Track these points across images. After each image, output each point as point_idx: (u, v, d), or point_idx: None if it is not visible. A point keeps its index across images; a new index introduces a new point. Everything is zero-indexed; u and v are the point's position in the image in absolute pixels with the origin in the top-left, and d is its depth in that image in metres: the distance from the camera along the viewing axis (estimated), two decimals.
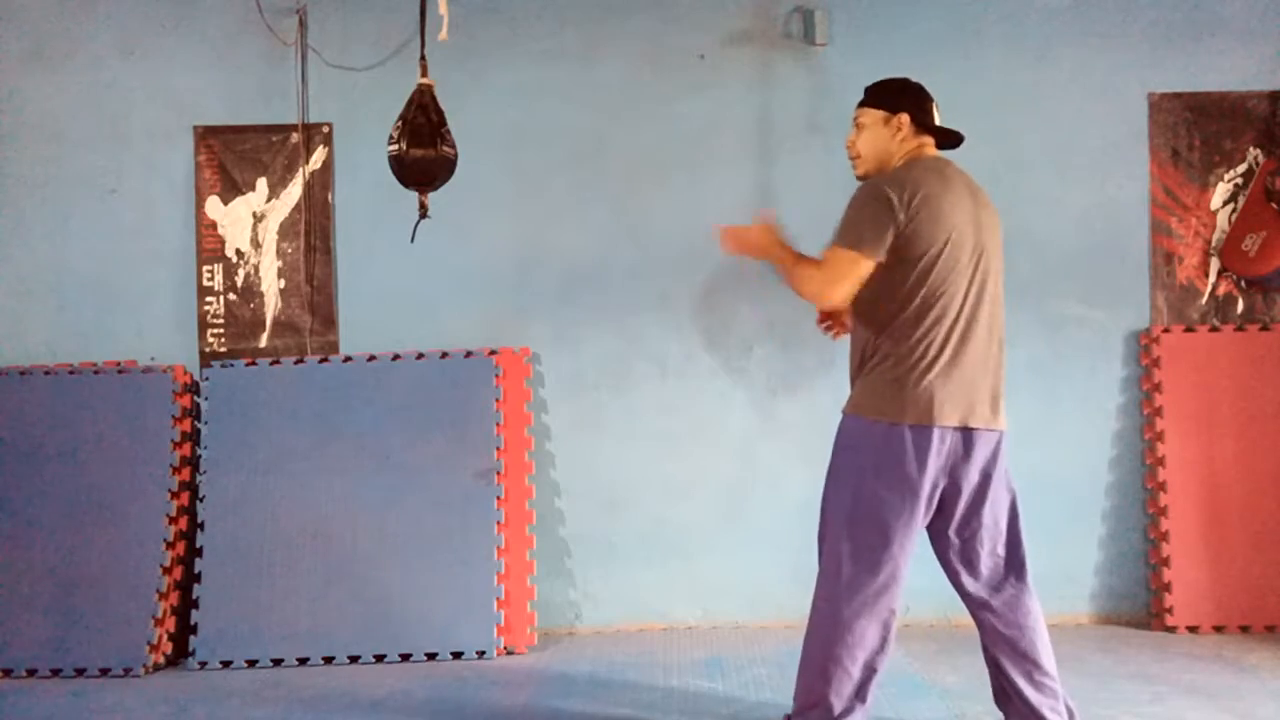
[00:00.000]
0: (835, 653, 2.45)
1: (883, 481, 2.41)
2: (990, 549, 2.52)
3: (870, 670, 2.48)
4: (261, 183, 3.94)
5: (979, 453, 2.43)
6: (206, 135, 3.93)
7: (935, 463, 2.39)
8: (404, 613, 3.55)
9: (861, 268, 2.40)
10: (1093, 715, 2.84)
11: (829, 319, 2.80)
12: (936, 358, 2.39)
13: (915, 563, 3.84)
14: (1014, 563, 2.53)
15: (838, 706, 2.46)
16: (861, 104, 2.61)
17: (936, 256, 2.39)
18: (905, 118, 2.55)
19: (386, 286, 3.91)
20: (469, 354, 3.80)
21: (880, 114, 2.56)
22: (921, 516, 2.45)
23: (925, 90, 2.60)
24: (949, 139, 2.62)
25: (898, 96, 2.57)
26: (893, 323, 2.42)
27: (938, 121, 2.60)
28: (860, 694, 2.48)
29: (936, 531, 2.54)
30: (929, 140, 2.59)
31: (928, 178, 2.43)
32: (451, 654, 3.52)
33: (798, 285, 2.47)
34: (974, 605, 2.54)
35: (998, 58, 3.88)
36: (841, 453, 2.52)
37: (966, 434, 2.41)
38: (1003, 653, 2.53)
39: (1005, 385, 2.49)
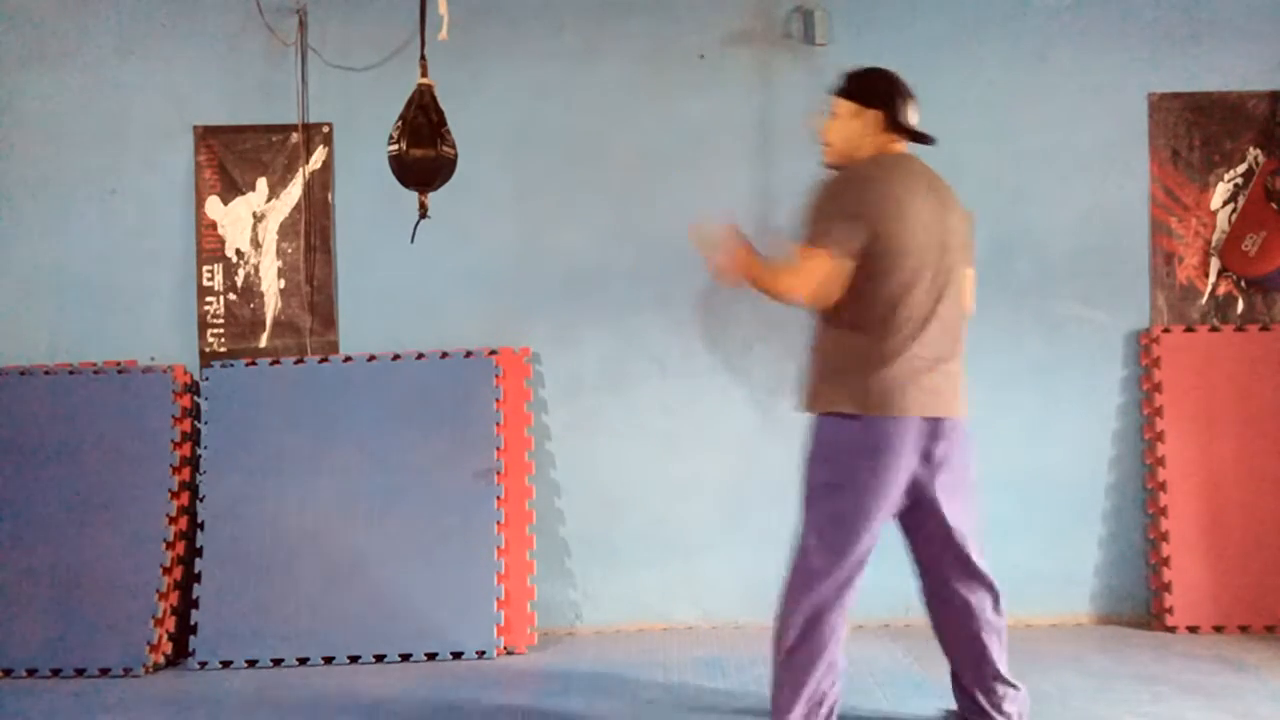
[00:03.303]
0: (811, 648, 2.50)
1: (849, 473, 2.44)
2: (961, 541, 2.56)
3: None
4: (261, 183, 3.94)
5: (948, 441, 2.47)
6: (206, 135, 3.93)
7: (909, 455, 2.42)
8: (404, 613, 3.55)
9: (833, 266, 2.40)
10: (1093, 715, 2.85)
11: None
12: (902, 352, 2.41)
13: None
14: (980, 552, 2.60)
15: (808, 699, 2.50)
16: (837, 92, 2.59)
17: (901, 254, 2.40)
18: (878, 115, 2.53)
19: (386, 286, 3.91)
20: (469, 354, 3.80)
21: (853, 106, 2.55)
22: (892, 510, 2.49)
23: (904, 86, 2.56)
24: (921, 138, 2.59)
25: (873, 92, 2.54)
26: (856, 319, 2.44)
27: (914, 120, 2.56)
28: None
29: (912, 524, 2.57)
30: (898, 138, 2.56)
31: (893, 175, 2.45)
32: (451, 654, 3.52)
33: (783, 294, 2.46)
34: (943, 598, 2.62)
35: (998, 58, 3.88)
36: (807, 448, 2.54)
37: (935, 424, 2.45)
38: (964, 657, 2.63)
39: (966, 376, 2.55)
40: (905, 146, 2.58)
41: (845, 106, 2.56)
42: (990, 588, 2.59)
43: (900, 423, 2.40)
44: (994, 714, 2.61)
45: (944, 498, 2.50)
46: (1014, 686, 2.63)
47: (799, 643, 2.49)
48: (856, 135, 2.54)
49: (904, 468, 2.43)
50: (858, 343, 2.45)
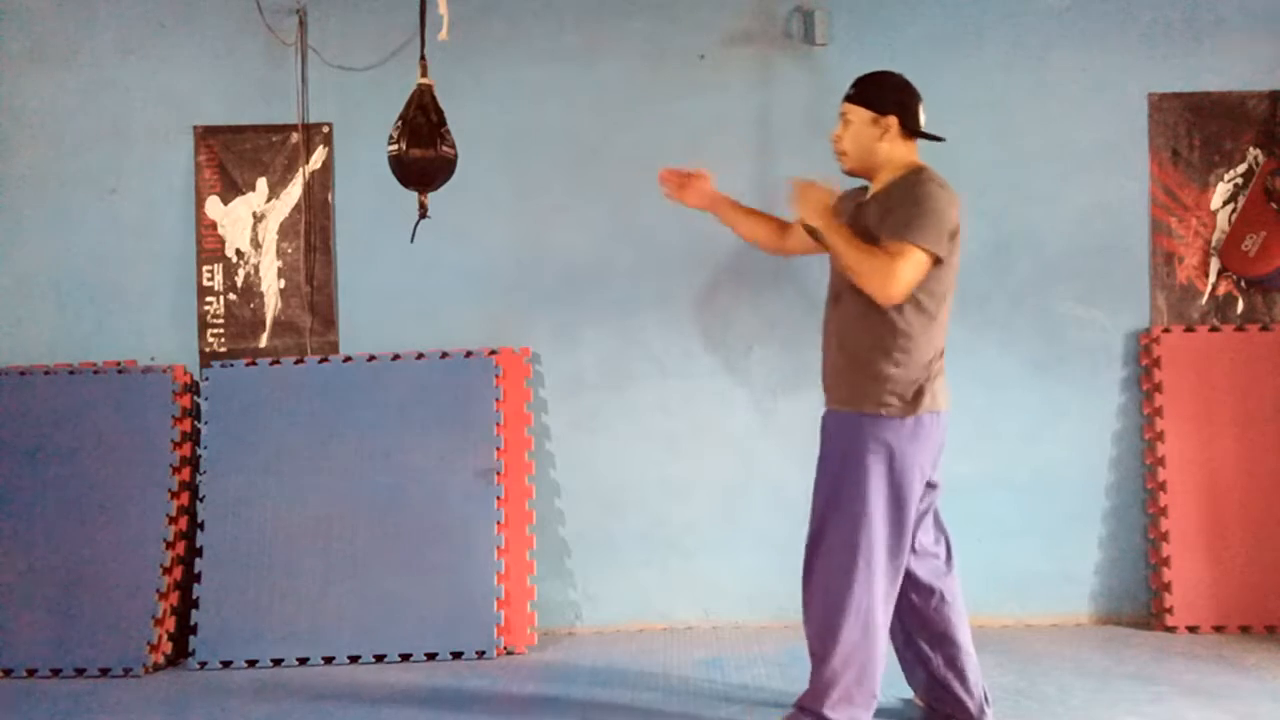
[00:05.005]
0: (867, 640, 2.56)
1: (906, 472, 2.51)
2: (938, 532, 2.74)
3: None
4: (261, 183, 3.94)
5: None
6: (206, 135, 3.93)
7: (938, 448, 2.57)
8: (404, 613, 3.55)
9: (925, 269, 2.46)
10: (1093, 715, 2.85)
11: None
12: (937, 353, 2.56)
13: None
14: (949, 543, 2.74)
15: (869, 693, 2.58)
16: (849, 99, 2.61)
17: (955, 268, 2.55)
18: (894, 121, 2.56)
19: (386, 286, 3.91)
20: (469, 354, 3.80)
21: (868, 114, 2.57)
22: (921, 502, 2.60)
23: (914, 89, 2.61)
24: (933, 140, 2.67)
25: (887, 97, 2.57)
26: (919, 321, 2.50)
27: (924, 123, 2.62)
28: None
29: None
30: (914, 144, 2.62)
31: (954, 193, 2.53)
32: (451, 654, 3.52)
33: (869, 275, 2.43)
34: (920, 593, 2.67)
35: (998, 58, 3.88)
36: (855, 447, 2.55)
37: (945, 415, 2.60)
38: (933, 638, 2.69)
39: None
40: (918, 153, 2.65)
41: (859, 114, 2.58)
42: (951, 562, 2.72)
43: (942, 417, 2.55)
44: (958, 686, 2.67)
45: (937, 480, 2.66)
46: (972, 656, 2.70)
47: (861, 640, 2.55)
48: (871, 142, 2.57)
49: (937, 460, 2.58)
50: (905, 344, 2.50)
